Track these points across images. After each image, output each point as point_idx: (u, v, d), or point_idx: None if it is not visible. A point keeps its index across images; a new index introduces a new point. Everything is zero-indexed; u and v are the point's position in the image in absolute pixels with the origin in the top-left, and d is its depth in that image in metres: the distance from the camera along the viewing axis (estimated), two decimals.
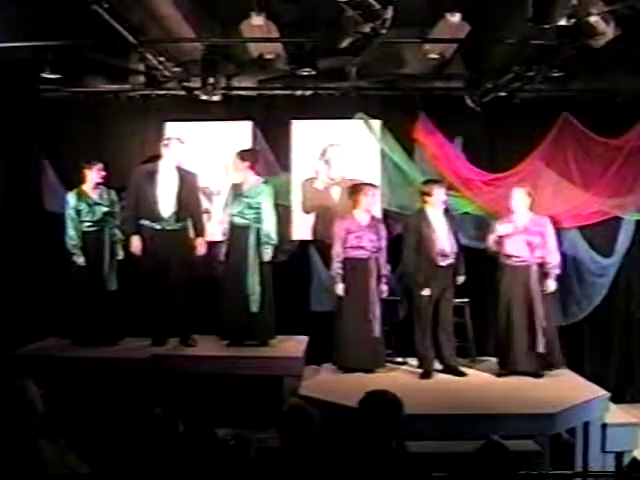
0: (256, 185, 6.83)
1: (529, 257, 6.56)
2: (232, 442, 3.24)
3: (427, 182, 6.81)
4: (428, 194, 6.62)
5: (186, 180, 6.78)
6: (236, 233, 6.83)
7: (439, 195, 6.62)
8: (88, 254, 6.82)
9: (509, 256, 6.59)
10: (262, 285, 6.77)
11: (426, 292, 6.55)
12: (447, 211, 6.77)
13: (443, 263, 6.58)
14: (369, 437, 3.20)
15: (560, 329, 7.48)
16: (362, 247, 6.67)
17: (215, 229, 7.10)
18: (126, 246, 6.88)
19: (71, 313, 6.85)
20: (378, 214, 7.13)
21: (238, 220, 6.82)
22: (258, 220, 6.78)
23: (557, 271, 6.61)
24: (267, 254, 6.80)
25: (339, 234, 6.68)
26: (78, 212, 6.82)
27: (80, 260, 6.77)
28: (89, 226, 6.84)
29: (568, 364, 7.10)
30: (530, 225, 6.60)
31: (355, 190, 6.78)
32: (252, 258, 6.73)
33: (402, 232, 6.89)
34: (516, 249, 6.56)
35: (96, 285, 6.82)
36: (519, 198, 6.62)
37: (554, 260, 6.59)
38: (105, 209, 6.92)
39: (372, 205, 6.81)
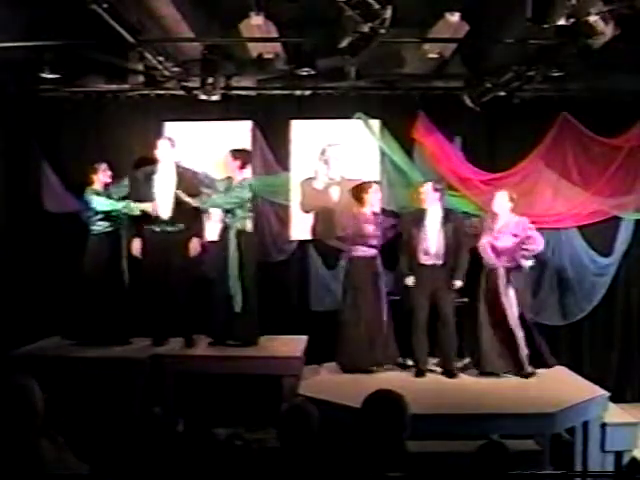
0: (239, 185, 6.80)
1: (496, 261, 6.59)
2: (238, 443, 3.25)
3: (423, 182, 6.90)
4: (418, 192, 6.76)
5: (184, 179, 6.78)
6: (220, 232, 6.86)
7: (426, 193, 6.68)
8: (106, 253, 6.82)
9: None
10: (243, 285, 6.73)
11: (409, 281, 6.65)
12: (448, 214, 6.76)
13: (426, 262, 6.63)
14: (372, 437, 3.20)
15: (560, 329, 7.53)
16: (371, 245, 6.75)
17: (212, 229, 7.09)
18: (128, 248, 6.90)
19: (85, 312, 6.83)
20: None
21: (222, 219, 6.85)
22: (237, 219, 6.75)
23: (530, 253, 6.60)
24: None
25: (347, 232, 6.75)
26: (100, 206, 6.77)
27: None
28: (108, 226, 6.82)
29: (568, 364, 7.12)
30: (503, 228, 6.56)
31: (359, 189, 6.81)
32: (232, 258, 6.72)
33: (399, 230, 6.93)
34: (487, 253, 6.59)
35: (115, 284, 6.84)
36: (501, 201, 6.62)
37: (534, 244, 6.56)
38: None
39: (377, 202, 6.84)
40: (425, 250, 6.62)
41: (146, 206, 6.67)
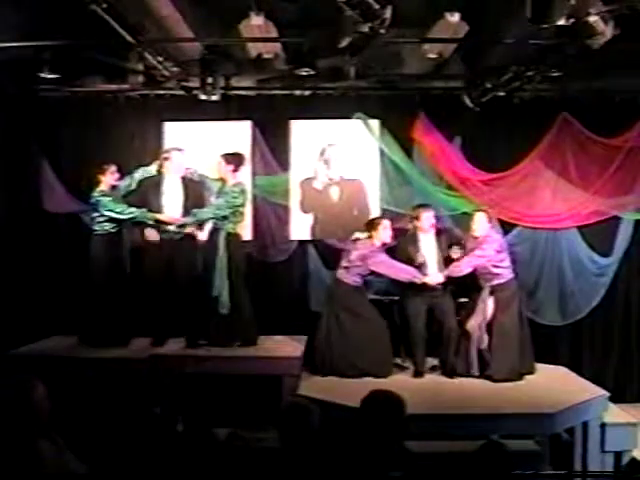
0: (232, 190, 6.76)
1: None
2: (238, 443, 3.25)
3: (416, 207, 6.84)
4: (417, 218, 6.70)
5: (192, 189, 6.79)
6: (209, 234, 6.84)
7: (427, 220, 6.65)
8: (110, 254, 6.79)
9: None
10: (232, 288, 6.70)
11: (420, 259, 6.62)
12: (439, 232, 6.75)
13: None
14: (370, 436, 3.20)
15: (559, 329, 7.53)
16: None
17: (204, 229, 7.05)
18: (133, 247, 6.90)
19: (88, 312, 6.83)
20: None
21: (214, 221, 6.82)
22: (227, 223, 6.71)
23: (452, 273, 6.53)
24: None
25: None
26: (109, 210, 6.71)
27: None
28: (112, 227, 6.80)
29: (568, 364, 7.13)
30: (484, 246, 6.52)
31: (369, 227, 6.73)
32: (220, 259, 6.68)
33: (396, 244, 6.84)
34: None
35: (117, 284, 6.82)
36: (479, 221, 6.60)
37: (460, 267, 6.51)
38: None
39: (388, 237, 6.70)
40: (423, 273, 6.57)
41: (162, 216, 6.67)
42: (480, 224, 6.59)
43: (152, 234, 6.72)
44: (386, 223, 6.71)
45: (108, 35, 5.34)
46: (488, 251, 6.49)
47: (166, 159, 6.76)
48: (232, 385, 6.53)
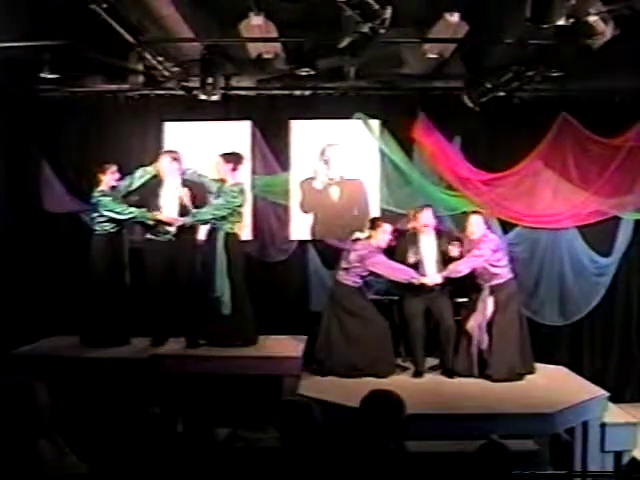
0: (231, 190, 6.76)
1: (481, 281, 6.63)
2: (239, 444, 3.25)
3: (416, 208, 6.82)
4: (416, 220, 6.70)
5: (192, 191, 6.79)
6: (209, 233, 6.84)
7: (424, 219, 6.65)
8: (110, 254, 6.77)
9: None
10: (232, 288, 6.70)
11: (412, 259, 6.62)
12: (440, 232, 6.76)
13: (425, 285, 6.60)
14: (370, 436, 3.20)
15: (559, 329, 7.54)
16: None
17: (202, 229, 7.03)
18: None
19: (87, 312, 6.82)
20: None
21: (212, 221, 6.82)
22: (225, 223, 6.71)
23: (451, 274, 6.53)
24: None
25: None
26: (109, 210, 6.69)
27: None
28: (112, 227, 6.79)
29: (568, 364, 7.13)
30: (481, 245, 6.53)
31: (372, 224, 6.78)
32: (220, 259, 6.68)
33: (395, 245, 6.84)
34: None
35: (117, 284, 6.81)
36: (475, 223, 6.61)
37: (458, 268, 6.51)
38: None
39: (385, 242, 6.71)
40: (421, 273, 6.59)
41: (161, 216, 6.65)
42: (476, 226, 6.61)
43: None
44: (387, 228, 6.71)
45: (108, 35, 5.33)
46: (485, 250, 6.49)
47: (161, 161, 6.75)
48: (232, 385, 6.53)
